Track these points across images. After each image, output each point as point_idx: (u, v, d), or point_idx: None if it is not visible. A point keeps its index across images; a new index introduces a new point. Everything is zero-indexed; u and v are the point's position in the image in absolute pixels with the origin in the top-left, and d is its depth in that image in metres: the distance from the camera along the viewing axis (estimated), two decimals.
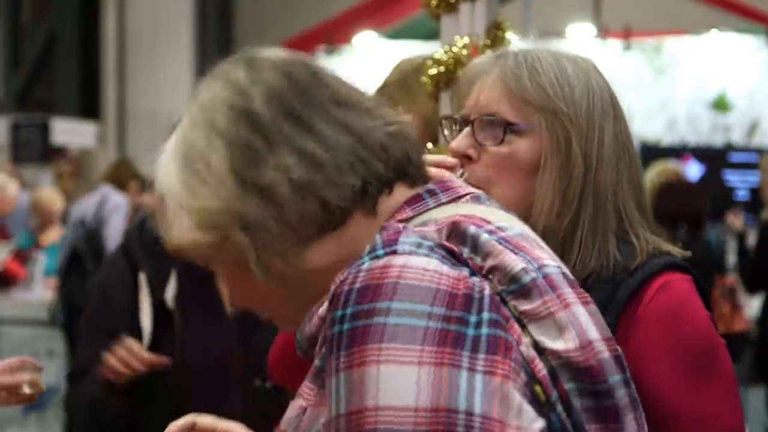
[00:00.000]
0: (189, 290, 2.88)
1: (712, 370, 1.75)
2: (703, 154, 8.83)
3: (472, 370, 1.15)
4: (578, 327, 1.28)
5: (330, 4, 12.81)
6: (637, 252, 1.80)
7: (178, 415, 2.75)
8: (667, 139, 8.97)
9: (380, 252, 1.22)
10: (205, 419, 1.70)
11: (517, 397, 1.17)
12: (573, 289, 1.31)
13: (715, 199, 8.77)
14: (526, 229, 1.39)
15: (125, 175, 8.15)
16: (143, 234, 2.94)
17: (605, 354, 1.30)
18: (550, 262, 1.33)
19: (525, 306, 1.25)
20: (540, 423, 1.19)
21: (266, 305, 1.42)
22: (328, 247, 1.35)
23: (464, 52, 2.30)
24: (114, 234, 7.51)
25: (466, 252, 1.27)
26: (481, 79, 1.85)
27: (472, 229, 1.28)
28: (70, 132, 12.89)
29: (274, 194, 1.32)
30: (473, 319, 1.18)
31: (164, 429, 2.76)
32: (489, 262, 1.26)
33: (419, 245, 1.23)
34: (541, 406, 1.22)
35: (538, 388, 1.23)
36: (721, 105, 8.89)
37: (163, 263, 2.89)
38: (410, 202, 1.37)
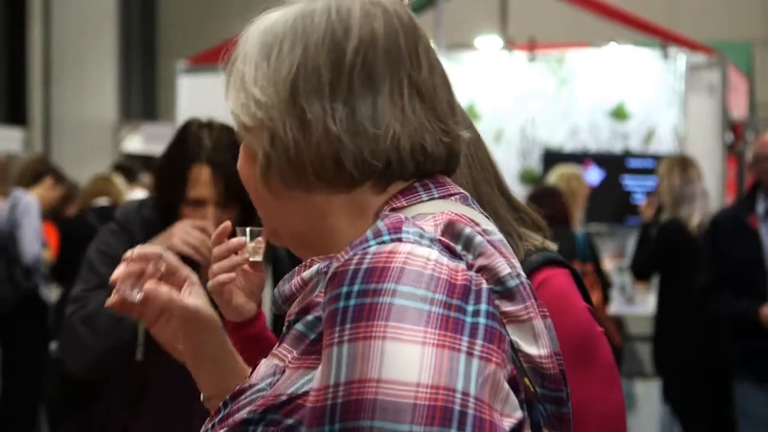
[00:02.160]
0: None
1: (592, 358, 1.86)
2: (603, 160, 8.95)
3: (470, 354, 1.16)
4: (546, 337, 1.32)
5: (251, 16, 12.97)
6: (515, 250, 1.85)
7: (143, 393, 2.99)
8: (569, 146, 9.08)
9: (386, 238, 1.22)
10: (171, 257, 1.65)
11: (506, 386, 1.19)
12: (536, 301, 1.33)
13: (614, 203, 8.87)
14: (502, 237, 1.38)
15: (32, 172, 8.04)
16: (141, 215, 3.08)
17: (563, 366, 1.35)
18: (522, 272, 1.33)
19: (508, 308, 1.27)
20: (520, 413, 1.21)
21: (262, 210, 1.44)
22: (332, 200, 1.36)
23: None
24: (28, 234, 7.50)
25: (459, 249, 1.26)
26: None
27: (467, 230, 1.28)
28: None
29: (309, 128, 1.33)
30: (470, 308, 1.19)
31: (129, 405, 2.90)
32: (480, 261, 1.27)
33: (421, 236, 1.23)
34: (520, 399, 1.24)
35: (527, 381, 1.27)
36: (619, 114, 9.04)
37: None
38: (405, 192, 1.36)
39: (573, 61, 9.20)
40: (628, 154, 9.03)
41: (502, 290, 1.27)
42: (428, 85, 1.38)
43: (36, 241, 7.51)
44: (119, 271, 1.62)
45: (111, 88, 14.71)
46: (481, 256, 1.27)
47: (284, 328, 1.30)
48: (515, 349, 1.27)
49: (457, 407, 1.13)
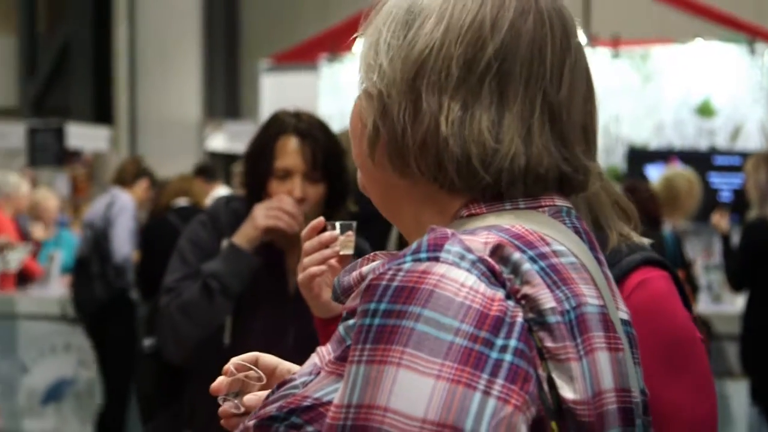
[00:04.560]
0: (262, 264, 3.06)
1: (686, 364, 1.81)
2: (688, 157, 8.78)
3: (486, 393, 1.10)
4: (593, 376, 1.23)
5: (331, 15, 12.89)
6: (609, 240, 1.87)
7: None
8: (654, 143, 9.00)
9: (423, 255, 1.17)
10: (267, 357, 1.65)
11: (524, 430, 1.12)
12: (605, 333, 1.25)
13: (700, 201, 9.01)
14: (585, 258, 1.29)
15: (130, 173, 8.16)
16: (230, 208, 3.17)
17: (611, 406, 1.25)
18: (593, 300, 1.25)
19: (548, 343, 1.19)
20: None
21: (358, 165, 1.39)
22: (421, 189, 1.31)
23: None
24: (121, 234, 7.60)
25: (506, 272, 1.19)
26: None
27: (515, 255, 1.20)
28: (84, 136, 12.97)
29: (420, 119, 1.27)
30: (499, 342, 1.13)
31: (207, 394, 3.02)
32: (525, 289, 1.19)
33: (462, 257, 1.17)
34: None
35: (554, 425, 1.19)
36: (705, 110, 8.96)
37: None
38: (489, 200, 1.29)
39: (658, 58, 9.15)
40: (714, 151, 8.95)
41: (543, 324, 1.19)
42: (563, 107, 1.28)
43: (127, 242, 7.62)
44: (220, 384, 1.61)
45: (195, 87, 14.82)
46: (527, 284, 1.19)
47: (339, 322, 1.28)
48: (553, 386, 1.20)
49: None
